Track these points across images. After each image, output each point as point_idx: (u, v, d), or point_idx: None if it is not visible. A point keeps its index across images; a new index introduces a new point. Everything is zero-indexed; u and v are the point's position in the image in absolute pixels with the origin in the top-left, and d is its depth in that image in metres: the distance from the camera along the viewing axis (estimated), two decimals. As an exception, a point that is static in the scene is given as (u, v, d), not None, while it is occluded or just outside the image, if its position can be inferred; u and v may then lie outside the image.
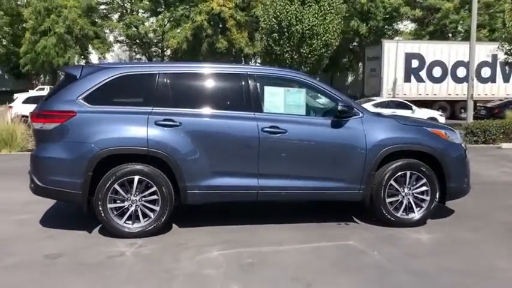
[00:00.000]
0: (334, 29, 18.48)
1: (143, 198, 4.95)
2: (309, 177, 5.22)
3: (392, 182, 5.34)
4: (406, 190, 5.39)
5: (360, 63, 39.46)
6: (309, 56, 18.36)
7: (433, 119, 19.73)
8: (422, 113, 20.23)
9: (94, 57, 36.23)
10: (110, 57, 37.43)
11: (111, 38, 36.52)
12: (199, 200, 5.14)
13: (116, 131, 4.88)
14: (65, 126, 4.86)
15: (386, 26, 36.74)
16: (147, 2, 36.80)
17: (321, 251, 4.66)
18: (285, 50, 18.30)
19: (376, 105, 19.88)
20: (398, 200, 5.39)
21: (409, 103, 20.67)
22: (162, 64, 5.73)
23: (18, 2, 33.09)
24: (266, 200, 5.44)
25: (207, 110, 5.12)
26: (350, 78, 45.81)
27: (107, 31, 35.54)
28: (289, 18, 17.76)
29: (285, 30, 18.05)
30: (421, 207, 5.44)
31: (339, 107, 5.15)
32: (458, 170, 5.55)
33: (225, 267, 4.20)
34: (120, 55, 42.78)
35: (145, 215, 4.98)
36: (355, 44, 35.44)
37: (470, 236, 5.15)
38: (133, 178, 4.90)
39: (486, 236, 5.16)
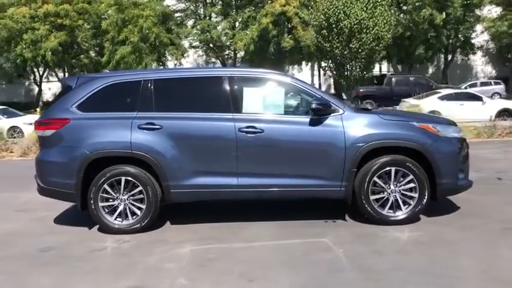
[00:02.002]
0: (385, 22, 17.90)
1: (131, 197, 5.33)
2: (288, 175, 5.29)
3: (376, 179, 5.25)
4: (392, 187, 5.27)
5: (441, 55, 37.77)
6: (359, 50, 17.95)
7: (506, 110, 18.46)
8: (494, 104, 18.99)
9: (170, 64, 37.97)
10: (185, 63, 39.01)
11: (186, 44, 37.98)
12: (183, 199, 5.42)
13: (103, 136, 5.31)
14: (60, 132, 5.37)
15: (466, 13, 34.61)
16: (219, 7, 37.81)
17: (289, 248, 4.74)
18: (334, 46, 18.08)
19: (442, 98, 19.01)
20: (384, 197, 5.29)
21: (479, 94, 19.47)
22: (148, 71, 6.12)
23: (103, 16, 35.47)
24: (248, 199, 5.59)
25: (187, 113, 5.38)
26: (431, 70, 43.85)
27: (182, 37, 37.00)
28: (336, 13, 17.52)
29: (333, 26, 17.84)
30: (409, 204, 5.29)
31: (313, 105, 5.17)
32: (449, 165, 5.32)
33: (185, 262, 4.44)
34: (196, 60, 44.44)
35: (133, 213, 5.35)
36: (431, 34, 33.74)
37: (456, 235, 4.93)
38: (121, 179, 5.29)
39: (474, 235, 4.91)
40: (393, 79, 24.35)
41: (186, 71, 5.71)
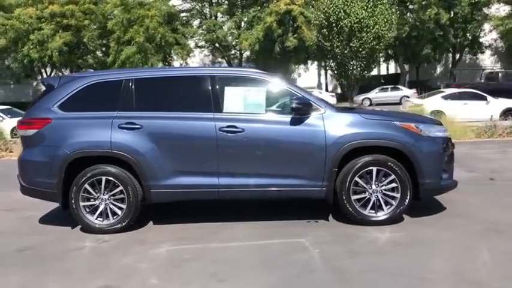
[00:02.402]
0: (386, 20, 17.76)
1: (112, 197, 5.32)
2: (269, 175, 5.25)
3: (357, 178, 5.20)
4: (373, 187, 5.22)
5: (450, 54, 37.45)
6: (360, 49, 17.82)
7: (511, 110, 18.24)
8: (498, 104, 18.75)
9: (176, 64, 38.05)
10: (191, 63, 39.08)
11: (192, 44, 38.06)
12: (164, 199, 5.40)
13: (84, 135, 5.30)
14: (42, 132, 5.37)
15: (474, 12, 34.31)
16: (225, 6, 37.87)
17: (265, 248, 4.71)
18: (334, 45, 17.97)
19: (446, 97, 18.84)
20: (365, 197, 5.23)
21: (483, 94, 19.26)
22: (130, 71, 6.08)
23: (109, 16, 35.63)
24: (229, 199, 5.57)
25: (167, 112, 5.36)
26: (439, 69, 43.57)
27: (188, 37, 37.09)
28: (337, 12, 17.43)
29: (334, 25, 17.74)
30: (391, 205, 5.23)
31: (293, 105, 5.13)
32: (432, 165, 5.25)
33: (159, 262, 4.42)
34: (203, 60, 44.50)
35: (114, 213, 5.34)
36: (438, 33, 33.46)
37: (436, 236, 4.86)
38: (101, 178, 5.29)
39: (455, 236, 4.84)
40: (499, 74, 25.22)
41: (167, 70, 5.70)
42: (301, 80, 39.45)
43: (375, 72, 45.92)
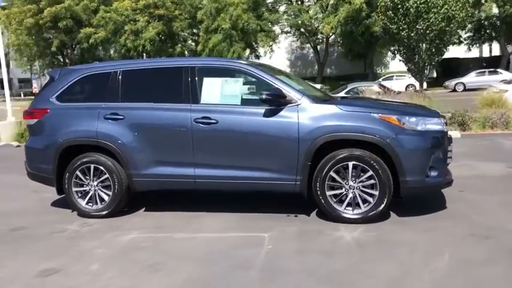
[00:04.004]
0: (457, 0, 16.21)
1: (100, 184, 5.61)
2: (243, 167, 5.18)
3: (333, 173, 4.95)
4: (350, 183, 4.93)
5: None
6: (427, 32, 16.49)
7: None
8: None
9: (261, 50, 38.35)
10: (277, 49, 39.17)
11: (278, 30, 38.08)
12: (145, 187, 5.57)
13: (75, 125, 5.63)
14: (41, 121, 5.80)
15: None
16: (312, -11, 37.31)
17: (222, 240, 4.66)
18: (400, 27, 16.81)
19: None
20: (342, 193, 4.97)
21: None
22: (118, 63, 6.27)
23: (199, 6, 36.86)
24: (205, 190, 5.58)
25: (148, 104, 5.49)
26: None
27: (273, 23, 37.15)
28: (401, -8, 16.28)
29: (399, 6, 16.60)
30: (369, 202, 4.91)
31: (263, 96, 4.98)
32: (415, 161, 4.83)
33: (114, 249, 4.57)
34: (291, 45, 44.30)
35: (102, 199, 5.63)
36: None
37: (410, 238, 4.48)
38: (90, 166, 5.59)
39: (427, 241, 4.41)
40: None
41: (149, 62, 5.84)
42: (395, 64, 37.66)
43: (475, 54, 42.60)
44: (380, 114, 4.90)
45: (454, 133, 10.41)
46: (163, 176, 5.41)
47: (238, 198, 6.10)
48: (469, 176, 6.83)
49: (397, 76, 33.84)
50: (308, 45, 40.36)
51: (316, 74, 41.85)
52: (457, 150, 6.84)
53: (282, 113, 5.05)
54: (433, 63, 17.63)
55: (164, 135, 5.37)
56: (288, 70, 47.43)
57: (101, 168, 5.56)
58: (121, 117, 5.46)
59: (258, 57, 39.72)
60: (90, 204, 5.66)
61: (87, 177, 5.62)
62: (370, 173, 4.85)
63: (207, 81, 5.39)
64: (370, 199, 4.90)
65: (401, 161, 4.78)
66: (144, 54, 37.95)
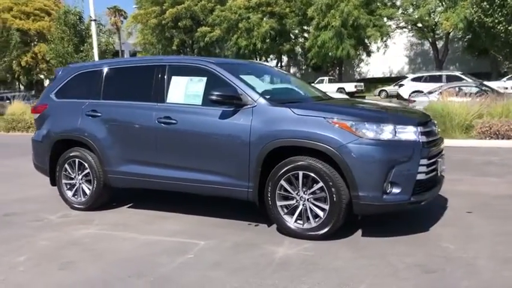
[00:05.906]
0: None
1: (84, 178, 5.83)
2: (198, 169, 4.99)
3: (283, 182, 4.53)
4: (301, 194, 4.48)
5: None
6: None
7: None
8: None
9: (373, 47, 36.79)
10: (392, 44, 37.28)
11: (392, 26, 36.21)
12: (119, 184, 5.65)
13: (63, 120, 5.92)
14: (42, 116, 6.21)
15: None
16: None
17: (154, 244, 4.52)
18: (496, 21, 14.61)
19: None
20: (293, 204, 4.54)
21: None
22: (106, 61, 6.36)
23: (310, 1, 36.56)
24: (169, 190, 5.47)
25: (121, 101, 5.55)
26: None
27: (386, 19, 35.40)
28: (499, -19, 14.14)
29: None
30: (320, 217, 4.41)
31: (212, 97, 4.70)
32: (370, 174, 4.20)
33: (59, 243, 4.67)
34: (410, 40, 41.91)
35: (84, 193, 5.85)
36: None
37: (340, 263, 3.91)
38: (75, 160, 5.84)
39: (360, 266, 3.83)
40: None
41: (128, 61, 5.88)
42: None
43: None
44: (333, 119, 4.35)
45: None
46: (133, 174, 5.44)
47: (219, 202, 5.88)
48: (503, 195, 5.86)
49: None
50: (424, 40, 37.72)
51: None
52: None
53: (237, 115, 4.76)
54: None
55: (133, 134, 5.39)
56: (406, 67, 44.88)
57: (84, 163, 5.76)
58: (99, 114, 5.61)
59: (369, 53, 38.22)
60: (75, 196, 5.91)
61: (74, 171, 5.87)
62: (320, 184, 4.35)
63: (174, 80, 5.28)
64: (321, 213, 4.39)
65: (352, 173, 4.20)
66: (256, 52, 38.81)
